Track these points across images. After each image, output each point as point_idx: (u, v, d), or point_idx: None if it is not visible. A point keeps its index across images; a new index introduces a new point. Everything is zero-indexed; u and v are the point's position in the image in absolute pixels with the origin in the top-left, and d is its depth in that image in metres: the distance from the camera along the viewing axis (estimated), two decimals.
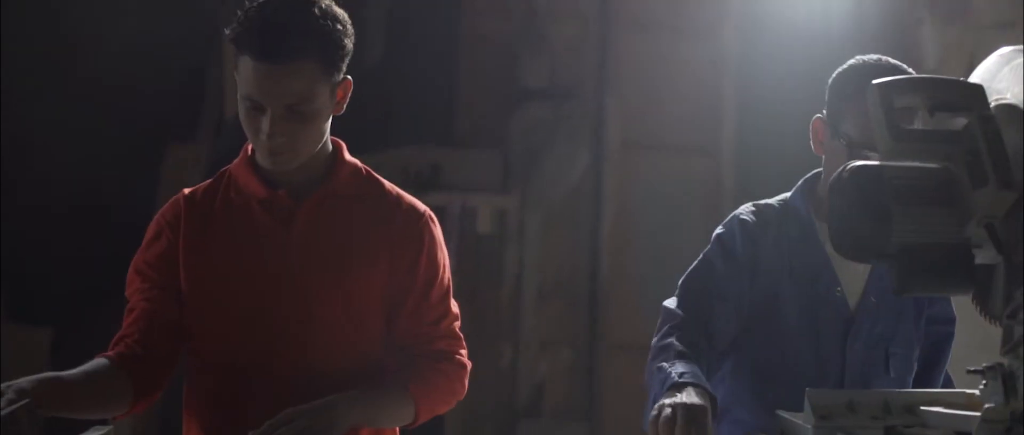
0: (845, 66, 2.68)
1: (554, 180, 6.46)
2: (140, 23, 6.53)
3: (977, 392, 2.00)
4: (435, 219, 2.56)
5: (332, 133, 2.55)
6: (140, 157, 6.27)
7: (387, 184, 2.56)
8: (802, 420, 2.08)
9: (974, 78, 2.12)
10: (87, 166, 6.52)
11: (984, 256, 1.99)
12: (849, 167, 1.98)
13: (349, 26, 2.41)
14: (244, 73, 2.35)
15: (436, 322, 2.52)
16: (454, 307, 2.56)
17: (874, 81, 2.01)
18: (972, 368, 1.97)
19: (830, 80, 2.67)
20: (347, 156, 2.52)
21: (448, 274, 2.56)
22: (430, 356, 2.50)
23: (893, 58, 2.71)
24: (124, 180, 6.14)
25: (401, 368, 2.46)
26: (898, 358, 2.64)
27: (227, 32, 2.36)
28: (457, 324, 2.56)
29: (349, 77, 2.42)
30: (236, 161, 2.52)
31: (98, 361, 2.39)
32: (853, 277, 2.52)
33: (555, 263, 6.53)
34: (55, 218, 6.52)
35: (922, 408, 2.10)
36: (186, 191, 2.53)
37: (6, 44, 5.83)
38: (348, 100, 2.44)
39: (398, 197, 2.54)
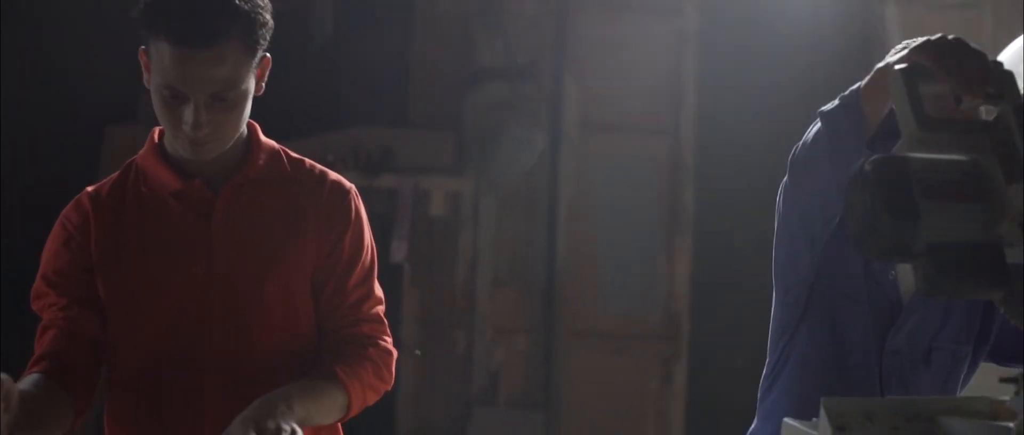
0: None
1: (510, 162, 6.36)
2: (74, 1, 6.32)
3: (1006, 398, 1.86)
4: (359, 196, 2.39)
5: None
6: (78, 141, 6.07)
7: (308, 162, 2.39)
8: (817, 430, 1.93)
9: None
10: (21, 152, 6.30)
11: (1015, 255, 1.85)
12: (870, 160, 1.82)
13: (268, 0, 2.23)
14: (161, 60, 2.14)
15: (358, 304, 2.35)
16: (378, 290, 2.40)
17: (896, 67, 1.86)
18: (1005, 376, 1.83)
19: None
20: (263, 138, 2.35)
21: (372, 255, 2.40)
22: (354, 341, 2.33)
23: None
24: (62, 166, 5.93)
25: (326, 356, 2.30)
26: (943, 353, 2.50)
27: (135, 13, 2.16)
28: (380, 308, 2.40)
29: (268, 54, 2.23)
30: (143, 151, 2.32)
31: (33, 377, 2.21)
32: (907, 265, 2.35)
33: (511, 247, 6.44)
34: None
35: (943, 418, 1.96)
36: (90, 189, 2.33)
37: None
38: (266, 78, 2.26)
39: (322, 174, 2.38)
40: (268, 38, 2.21)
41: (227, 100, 2.17)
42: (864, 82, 2.10)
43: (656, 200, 6.40)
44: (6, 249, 5.68)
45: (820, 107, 2.53)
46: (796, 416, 2.13)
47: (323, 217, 2.33)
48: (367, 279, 2.37)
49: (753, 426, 2.58)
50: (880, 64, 2.05)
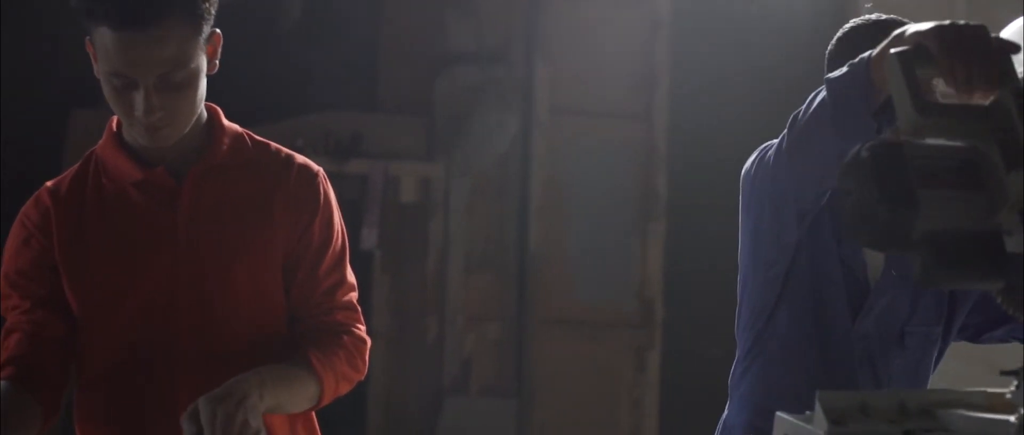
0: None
1: (481, 147, 6.31)
2: None
3: (1004, 392, 1.83)
4: (328, 180, 2.34)
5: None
6: (43, 125, 5.99)
7: (273, 145, 2.35)
8: (813, 425, 1.88)
9: None
10: None
11: (1014, 244, 1.81)
12: (867, 146, 1.78)
13: None
14: (104, 47, 2.10)
15: (330, 291, 2.32)
16: (350, 276, 2.36)
17: (892, 50, 1.82)
18: (1006, 369, 1.79)
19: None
20: (226, 122, 2.30)
21: (344, 240, 2.36)
22: (328, 330, 2.29)
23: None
24: (26, 150, 5.85)
25: (301, 344, 2.25)
26: (916, 336, 2.46)
27: (73, 3, 2.11)
28: (354, 295, 2.36)
29: (218, 30, 2.18)
30: (102, 141, 2.28)
31: None
32: None
33: (482, 234, 6.39)
34: None
35: (942, 411, 1.92)
36: (49, 185, 2.28)
37: None
38: (219, 55, 2.21)
39: (289, 158, 2.33)
40: (214, 12, 2.16)
41: (176, 81, 2.12)
42: (875, 50, 2.03)
43: (629, 186, 6.38)
44: None
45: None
46: (773, 402, 2.09)
47: (291, 202, 2.29)
48: (339, 265, 2.33)
49: (726, 413, 2.53)
50: (896, 31, 1.99)
